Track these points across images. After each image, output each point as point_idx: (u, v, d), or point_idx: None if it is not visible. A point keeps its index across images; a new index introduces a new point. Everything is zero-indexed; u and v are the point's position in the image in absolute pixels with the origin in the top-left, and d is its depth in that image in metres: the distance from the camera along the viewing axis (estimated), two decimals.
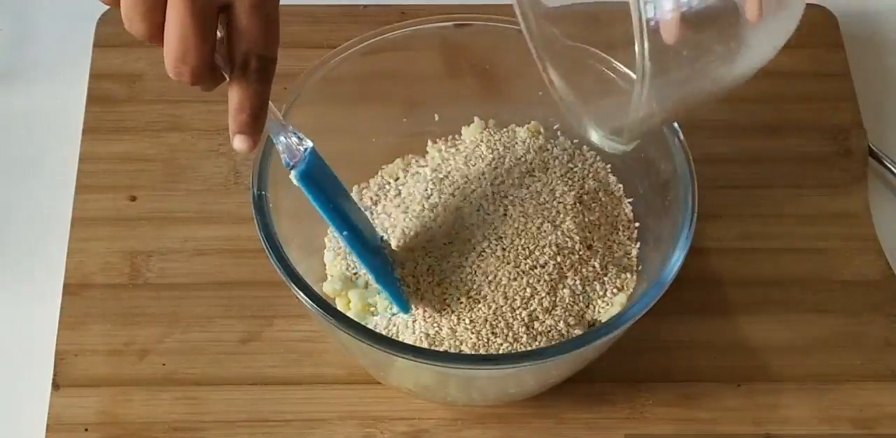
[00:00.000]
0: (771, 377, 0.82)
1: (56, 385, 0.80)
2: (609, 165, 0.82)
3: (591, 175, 0.81)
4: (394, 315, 0.76)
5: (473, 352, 0.74)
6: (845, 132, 0.92)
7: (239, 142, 0.64)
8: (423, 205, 0.79)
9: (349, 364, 0.81)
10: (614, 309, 0.76)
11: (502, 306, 0.75)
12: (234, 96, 0.63)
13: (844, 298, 0.85)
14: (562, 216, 0.78)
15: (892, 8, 1.00)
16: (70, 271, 0.85)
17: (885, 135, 0.93)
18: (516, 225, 0.78)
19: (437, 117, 0.84)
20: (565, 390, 0.79)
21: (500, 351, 0.74)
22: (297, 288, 0.70)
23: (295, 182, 0.70)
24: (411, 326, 0.75)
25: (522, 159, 0.81)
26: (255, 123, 0.64)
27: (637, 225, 0.81)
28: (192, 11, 0.60)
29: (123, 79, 0.93)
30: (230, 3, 0.62)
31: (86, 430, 0.79)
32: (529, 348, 0.74)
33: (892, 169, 0.91)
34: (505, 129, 0.83)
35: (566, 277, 0.77)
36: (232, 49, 0.63)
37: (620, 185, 0.82)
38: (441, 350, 0.74)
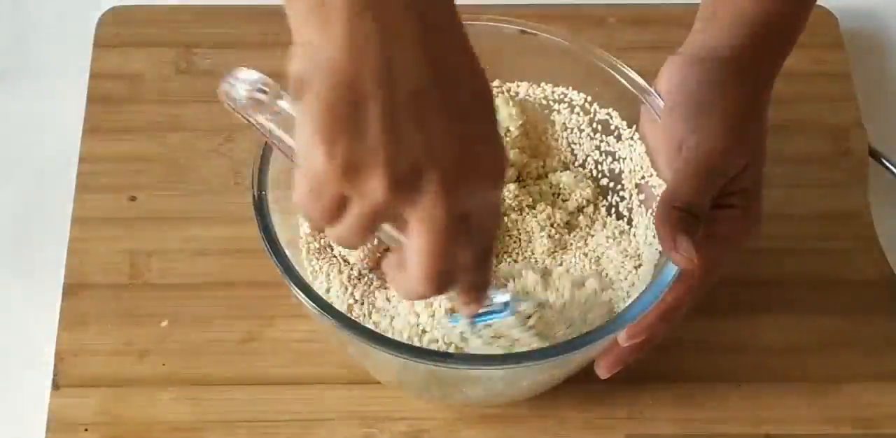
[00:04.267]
0: (771, 377, 0.82)
1: (56, 385, 0.80)
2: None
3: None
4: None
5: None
6: (845, 132, 0.92)
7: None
8: None
9: (349, 364, 0.81)
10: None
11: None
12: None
13: (844, 298, 0.85)
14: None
15: (892, 8, 1.00)
16: (70, 271, 0.85)
17: (885, 135, 0.93)
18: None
19: None
20: (565, 390, 0.79)
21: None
22: (297, 288, 0.70)
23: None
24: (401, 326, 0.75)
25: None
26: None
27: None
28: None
29: (123, 79, 0.93)
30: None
31: (86, 430, 0.79)
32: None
33: (892, 169, 0.91)
34: None
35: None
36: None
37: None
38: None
